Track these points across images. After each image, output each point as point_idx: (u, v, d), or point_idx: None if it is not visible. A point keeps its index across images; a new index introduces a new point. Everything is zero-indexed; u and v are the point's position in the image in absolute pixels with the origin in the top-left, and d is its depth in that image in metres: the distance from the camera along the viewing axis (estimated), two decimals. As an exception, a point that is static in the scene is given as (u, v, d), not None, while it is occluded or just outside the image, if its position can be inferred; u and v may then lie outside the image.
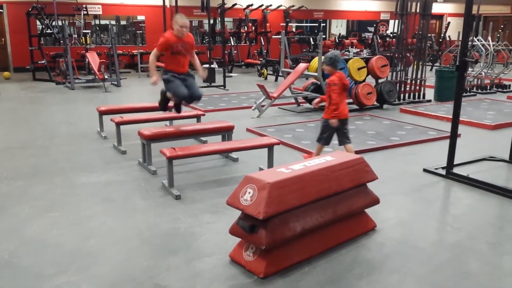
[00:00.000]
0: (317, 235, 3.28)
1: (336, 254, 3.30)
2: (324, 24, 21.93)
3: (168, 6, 15.36)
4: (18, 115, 8.49)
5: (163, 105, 5.63)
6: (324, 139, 5.01)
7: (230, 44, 16.43)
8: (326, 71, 4.94)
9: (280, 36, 10.14)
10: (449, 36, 19.07)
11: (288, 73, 9.20)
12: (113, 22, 17.50)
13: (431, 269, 3.14)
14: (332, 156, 3.60)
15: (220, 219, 3.87)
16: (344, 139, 4.97)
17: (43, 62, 13.06)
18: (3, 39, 15.18)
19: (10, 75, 13.83)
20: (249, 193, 3.03)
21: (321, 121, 5.02)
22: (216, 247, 3.40)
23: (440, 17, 23.36)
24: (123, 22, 18.24)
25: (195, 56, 5.45)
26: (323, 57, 5.57)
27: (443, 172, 5.08)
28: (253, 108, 8.32)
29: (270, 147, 5.03)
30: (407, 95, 9.91)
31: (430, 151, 6.09)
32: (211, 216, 3.97)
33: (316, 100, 5.24)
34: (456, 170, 5.07)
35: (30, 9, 13.08)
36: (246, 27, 17.63)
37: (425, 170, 5.24)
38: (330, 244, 3.36)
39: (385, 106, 9.28)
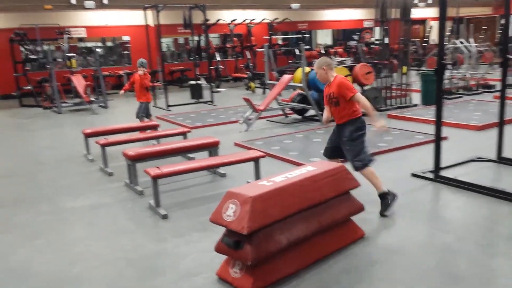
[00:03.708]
0: (304, 247, 3.24)
1: (325, 265, 3.27)
2: (309, 35, 22.06)
3: (152, 25, 15.39)
4: (4, 142, 8.42)
5: None
6: (144, 116, 7.92)
7: (216, 60, 16.47)
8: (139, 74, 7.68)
9: (264, 49, 10.17)
10: (433, 40, 19.27)
11: (274, 85, 9.21)
12: (99, 43, 17.51)
13: (420, 274, 3.11)
14: (313, 166, 3.59)
15: (207, 237, 3.81)
16: (148, 115, 7.93)
17: (29, 87, 13.00)
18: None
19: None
20: (232, 208, 2.99)
21: (143, 104, 7.90)
22: (203, 266, 3.35)
23: (423, 21, 23.62)
24: (109, 43, 18.25)
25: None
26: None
27: (431, 175, 5.07)
28: (240, 122, 8.31)
29: (256, 160, 5.00)
30: (393, 100, 9.95)
31: (418, 155, 6.08)
32: (198, 235, 3.92)
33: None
34: (444, 172, 5.06)
35: (12, 36, 13.05)
36: (231, 42, 17.70)
37: (413, 174, 5.23)
38: (317, 255, 3.32)
39: (372, 112, 9.28)
